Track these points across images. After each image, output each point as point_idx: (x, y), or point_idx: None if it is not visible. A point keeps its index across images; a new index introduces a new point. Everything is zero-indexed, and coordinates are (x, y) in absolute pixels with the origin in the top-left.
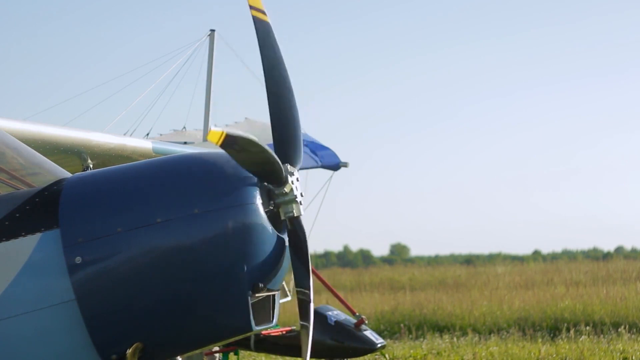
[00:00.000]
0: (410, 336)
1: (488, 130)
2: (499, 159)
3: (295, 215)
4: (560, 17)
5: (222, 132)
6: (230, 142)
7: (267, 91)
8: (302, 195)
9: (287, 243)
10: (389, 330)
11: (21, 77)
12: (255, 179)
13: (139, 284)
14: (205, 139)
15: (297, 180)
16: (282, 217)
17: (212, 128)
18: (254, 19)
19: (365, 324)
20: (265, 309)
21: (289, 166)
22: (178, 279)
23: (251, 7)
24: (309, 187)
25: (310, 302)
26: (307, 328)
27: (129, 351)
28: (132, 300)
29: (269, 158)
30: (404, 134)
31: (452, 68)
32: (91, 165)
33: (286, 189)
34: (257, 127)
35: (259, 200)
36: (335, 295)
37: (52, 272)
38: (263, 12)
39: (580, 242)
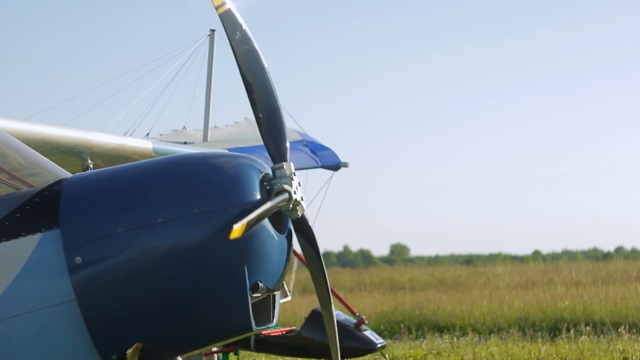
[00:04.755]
0: (410, 336)
1: (488, 130)
2: (499, 159)
3: (289, 197)
4: (561, 17)
5: (243, 225)
6: (250, 227)
7: (245, 85)
8: (300, 184)
9: (286, 243)
10: (389, 330)
11: (21, 77)
12: (256, 179)
13: (139, 284)
14: (205, 139)
15: (300, 185)
16: (273, 189)
17: (234, 227)
18: (221, 16)
19: (365, 324)
20: (265, 309)
21: (284, 164)
22: (178, 279)
23: (217, 8)
24: (309, 187)
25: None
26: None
27: (129, 351)
28: (133, 300)
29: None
30: (404, 134)
31: (452, 68)
32: (91, 165)
33: (285, 167)
34: (257, 127)
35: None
36: (335, 295)
37: (53, 272)
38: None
39: (580, 242)
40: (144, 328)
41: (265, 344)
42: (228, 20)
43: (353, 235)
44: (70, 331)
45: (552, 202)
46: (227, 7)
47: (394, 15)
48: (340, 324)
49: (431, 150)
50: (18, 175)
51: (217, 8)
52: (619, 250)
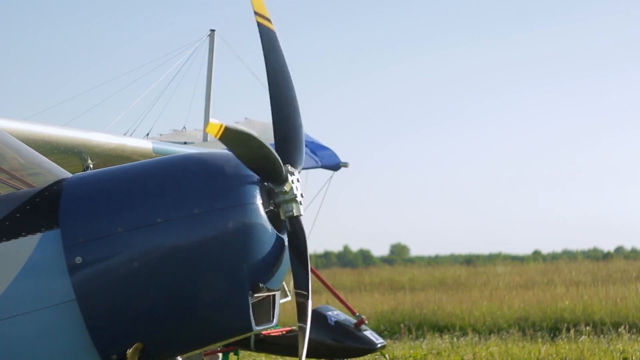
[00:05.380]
0: (410, 336)
1: (488, 130)
2: (499, 159)
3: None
4: (561, 17)
5: (221, 125)
6: (229, 136)
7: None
8: (302, 196)
9: (287, 244)
10: (389, 330)
11: (21, 77)
12: (256, 179)
13: (139, 284)
14: (205, 139)
15: (298, 180)
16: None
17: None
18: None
19: (365, 324)
20: (265, 309)
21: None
22: (178, 279)
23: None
24: (309, 187)
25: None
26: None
27: (129, 351)
28: (133, 300)
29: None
30: (404, 134)
31: (452, 68)
32: (91, 165)
33: (286, 188)
34: (257, 126)
35: (259, 200)
36: (335, 295)
37: (53, 272)
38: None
39: (580, 242)
40: (144, 328)
41: (265, 344)
42: (229, 138)
43: (353, 235)
44: (70, 331)
45: (552, 202)
46: (224, 125)
47: (394, 15)
48: (340, 324)
49: (431, 150)
50: (18, 175)
51: (216, 135)
52: (619, 250)
